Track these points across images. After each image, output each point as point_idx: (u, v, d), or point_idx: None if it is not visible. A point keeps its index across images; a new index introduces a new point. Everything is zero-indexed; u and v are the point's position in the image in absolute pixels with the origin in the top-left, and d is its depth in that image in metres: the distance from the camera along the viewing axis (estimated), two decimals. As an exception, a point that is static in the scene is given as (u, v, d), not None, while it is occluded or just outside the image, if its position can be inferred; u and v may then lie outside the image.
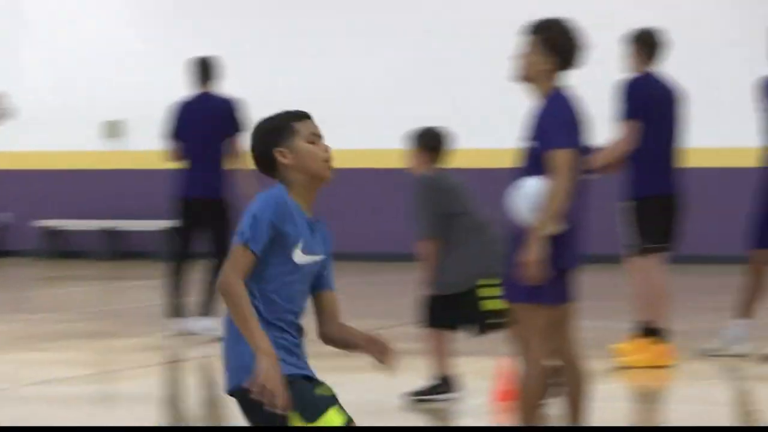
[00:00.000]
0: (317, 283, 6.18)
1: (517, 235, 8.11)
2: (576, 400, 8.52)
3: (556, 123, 8.17)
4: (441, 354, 10.85)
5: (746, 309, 12.95)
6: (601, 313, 11.41)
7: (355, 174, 24.86)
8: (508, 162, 8.76)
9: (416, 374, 11.11)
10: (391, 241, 23.98)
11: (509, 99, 11.99)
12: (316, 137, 6.19)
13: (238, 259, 6.05)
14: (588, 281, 8.93)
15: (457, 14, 25.66)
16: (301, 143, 6.18)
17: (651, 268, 12.35)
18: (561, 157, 8.04)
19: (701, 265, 22.60)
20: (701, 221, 19.61)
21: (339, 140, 8.53)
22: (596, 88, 11.80)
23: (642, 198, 12.39)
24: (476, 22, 25.33)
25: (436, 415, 10.94)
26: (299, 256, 6.06)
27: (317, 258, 6.11)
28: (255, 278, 6.07)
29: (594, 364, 9.75)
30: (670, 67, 13.07)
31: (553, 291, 8.22)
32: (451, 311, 10.85)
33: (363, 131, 25.44)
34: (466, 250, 10.85)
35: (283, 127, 6.25)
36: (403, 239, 13.69)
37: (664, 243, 12.52)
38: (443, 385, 10.82)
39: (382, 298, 20.14)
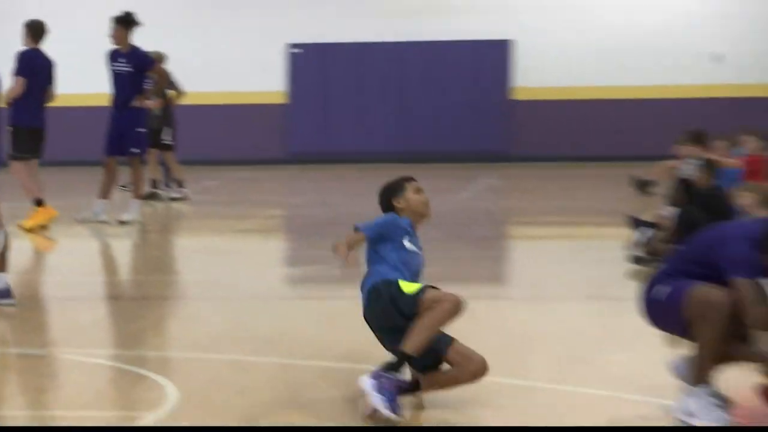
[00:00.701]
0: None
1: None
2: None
3: None
4: None
5: (105, 193, 15.02)
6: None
7: None
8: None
9: None
10: None
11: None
12: (419, 191, 7.13)
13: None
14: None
15: None
16: (410, 194, 7.12)
17: (24, 168, 14.13)
18: None
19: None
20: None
21: None
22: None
23: (19, 125, 14.09)
24: None
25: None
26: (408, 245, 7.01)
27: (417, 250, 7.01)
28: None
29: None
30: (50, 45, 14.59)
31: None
32: None
33: None
34: None
35: (398, 185, 7.17)
36: None
37: (32, 154, 14.26)
38: None
39: None
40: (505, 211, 17.56)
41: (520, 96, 24.35)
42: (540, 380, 7.29)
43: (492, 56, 24.17)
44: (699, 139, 14.12)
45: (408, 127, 24.58)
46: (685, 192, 11.89)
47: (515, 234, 15.72)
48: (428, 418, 6.63)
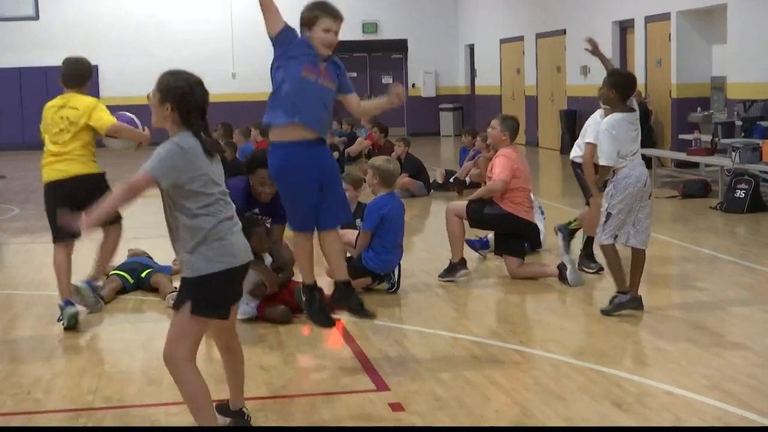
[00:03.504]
0: None
1: None
2: None
3: None
4: None
5: None
6: None
7: None
8: None
9: None
10: None
11: None
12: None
13: None
14: None
15: None
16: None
17: None
18: None
19: None
20: None
21: None
22: None
23: None
24: None
25: None
26: None
27: None
28: None
29: None
30: None
31: None
32: None
33: None
34: None
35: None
36: None
37: None
38: None
39: None
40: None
41: (105, 103, 23.13)
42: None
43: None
44: (227, 130, 14.20)
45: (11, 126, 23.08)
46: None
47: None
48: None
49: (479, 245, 8.31)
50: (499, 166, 7.33)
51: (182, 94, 3.84)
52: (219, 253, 3.81)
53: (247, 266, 3.95)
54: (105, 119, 6.18)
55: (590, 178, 6.49)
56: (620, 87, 6.09)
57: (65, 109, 6.24)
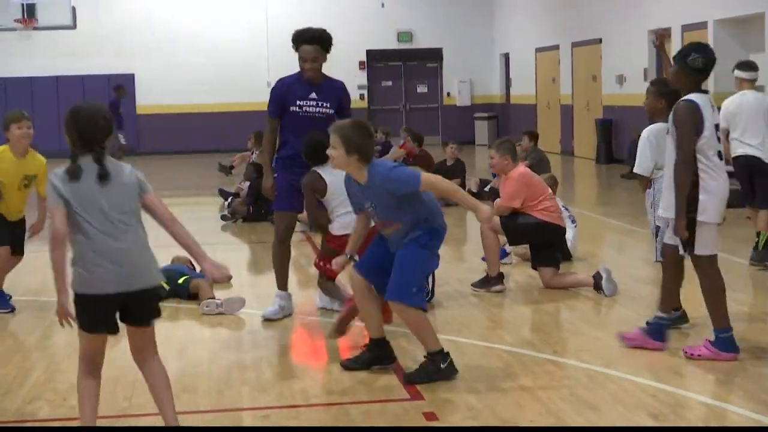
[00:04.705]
0: None
1: None
2: None
3: None
4: None
5: None
6: None
7: None
8: None
9: None
10: None
11: None
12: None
13: None
14: None
15: None
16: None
17: None
18: None
19: None
20: None
21: None
22: None
23: None
24: None
25: None
26: None
27: None
28: None
29: None
30: None
31: None
32: None
33: None
34: None
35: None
36: None
37: None
38: None
39: None
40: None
41: (141, 111, 23.62)
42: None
43: (123, 84, 22.66)
44: (259, 138, 14.42)
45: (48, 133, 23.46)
46: (254, 170, 12.12)
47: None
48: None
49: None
50: (507, 190, 7.34)
51: (67, 125, 3.99)
52: (85, 278, 3.89)
53: (117, 297, 3.92)
54: None
55: None
56: (669, 97, 5.97)
57: None
